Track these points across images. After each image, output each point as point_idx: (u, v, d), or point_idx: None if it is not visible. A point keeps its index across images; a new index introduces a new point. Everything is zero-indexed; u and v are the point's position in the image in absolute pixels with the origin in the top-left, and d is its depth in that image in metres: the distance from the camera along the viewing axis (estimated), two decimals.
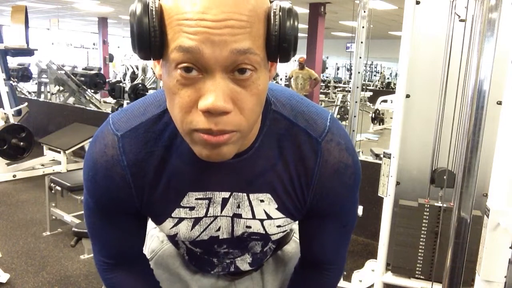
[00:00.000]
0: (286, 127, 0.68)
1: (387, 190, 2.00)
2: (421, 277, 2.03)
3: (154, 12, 0.51)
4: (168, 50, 0.52)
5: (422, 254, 2.01)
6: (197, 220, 0.73)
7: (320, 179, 0.69)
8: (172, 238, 0.83)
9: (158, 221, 0.75)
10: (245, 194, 0.71)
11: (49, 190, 3.13)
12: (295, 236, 1.00)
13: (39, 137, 4.93)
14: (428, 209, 1.98)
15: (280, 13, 0.53)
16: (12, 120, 4.56)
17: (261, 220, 0.74)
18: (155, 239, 0.97)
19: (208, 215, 0.73)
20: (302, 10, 10.14)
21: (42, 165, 4.82)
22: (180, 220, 0.73)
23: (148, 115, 0.67)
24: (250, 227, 0.75)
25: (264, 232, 0.75)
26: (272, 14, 0.53)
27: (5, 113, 4.48)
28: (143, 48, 0.53)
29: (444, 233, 1.93)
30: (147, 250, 0.99)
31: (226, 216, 0.73)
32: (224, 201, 0.71)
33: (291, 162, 0.68)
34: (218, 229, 0.76)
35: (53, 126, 5.43)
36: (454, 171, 1.90)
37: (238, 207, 0.72)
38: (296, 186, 0.70)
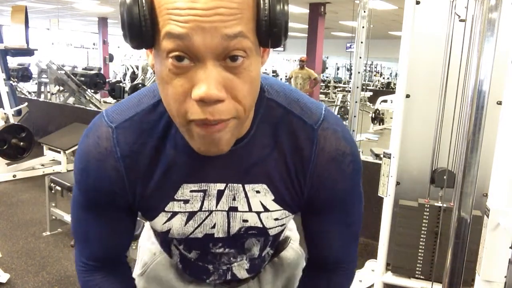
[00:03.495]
0: (281, 114, 0.67)
1: (387, 190, 2.00)
2: (421, 277, 2.03)
3: (144, 0, 0.51)
4: (159, 39, 0.52)
5: (422, 254, 2.01)
6: (191, 215, 0.71)
7: (317, 168, 0.67)
8: (165, 236, 0.79)
9: (151, 216, 0.73)
10: (240, 185, 0.69)
11: (49, 190, 3.12)
12: (293, 243, 0.98)
13: (39, 137, 4.93)
14: (428, 209, 1.98)
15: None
16: (12, 120, 4.55)
17: (258, 213, 0.72)
18: (146, 252, 0.94)
19: (203, 209, 0.71)
20: (302, 10, 10.14)
21: (42, 165, 4.82)
22: (174, 214, 0.71)
23: (143, 106, 0.67)
24: (247, 220, 0.73)
25: (261, 226, 0.73)
26: (261, 0, 0.53)
27: (5, 113, 4.48)
28: (134, 37, 0.53)
29: (444, 233, 1.93)
30: (139, 263, 0.96)
31: (222, 210, 0.71)
32: (220, 194, 0.70)
33: (287, 150, 0.67)
34: (213, 226, 0.73)
35: (53, 126, 5.42)
36: (454, 171, 1.90)
37: (234, 199, 0.70)
38: (293, 176, 0.69)
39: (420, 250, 2.01)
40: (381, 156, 2.05)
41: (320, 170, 0.68)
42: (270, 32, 0.53)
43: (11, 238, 3.09)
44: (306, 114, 0.67)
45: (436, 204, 1.97)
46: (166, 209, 0.71)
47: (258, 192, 0.70)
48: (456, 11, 1.86)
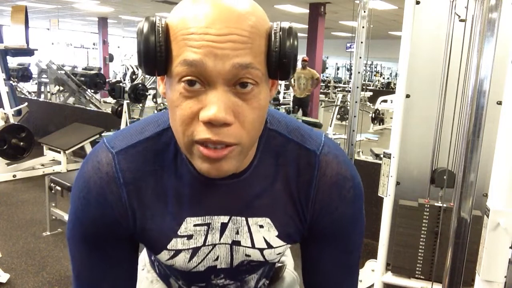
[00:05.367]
0: (282, 143, 0.67)
1: (387, 190, 2.00)
2: (421, 277, 2.03)
3: (160, 29, 0.54)
4: (173, 65, 0.54)
5: (422, 254, 2.01)
6: (195, 251, 0.70)
7: (318, 193, 0.67)
8: (167, 268, 0.79)
9: (154, 252, 0.71)
10: (243, 219, 0.68)
11: (49, 190, 3.12)
12: (288, 269, 0.98)
13: (39, 137, 4.93)
14: (428, 209, 1.98)
15: (281, 32, 0.55)
16: (12, 120, 4.55)
17: (261, 250, 0.71)
18: (143, 281, 0.92)
19: (206, 244, 0.69)
20: (302, 10, 10.14)
21: (42, 165, 4.82)
22: (177, 252, 0.69)
23: (146, 134, 0.66)
24: (249, 255, 0.72)
25: (263, 260, 0.73)
26: (272, 33, 0.55)
27: (5, 113, 4.48)
28: (149, 64, 0.55)
29: (444, 233, 1.93)
30: None
31: (225, 244, 0.70)
32: (223, 227, 0.69)
33: (291, 178, 0.67)
34: (216, 259, 0.72)
35: (53, 126, 5.42)
36: (454, 171, 1.90)
37: (237, 233, 0.69)
38: (297, 204, 0.68)
39: (420, 250, 2.01)
40: (381, 156, 2.05)
41: (321, 195, 0.68)
42: (280, 64, 0.55)
43: (11, 238, 3.09)
44: (307, 141, 0.68)
45: (436, 204, 1.97)
46: (168, 247, 0.69)
47: (261, 226, 0.69)
48: (456, 11, 1.86)
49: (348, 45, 14.21)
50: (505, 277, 1.31)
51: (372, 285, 2.21)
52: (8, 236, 3.13)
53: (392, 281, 2.09)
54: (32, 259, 2.79)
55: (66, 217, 3.08)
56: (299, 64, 7.45)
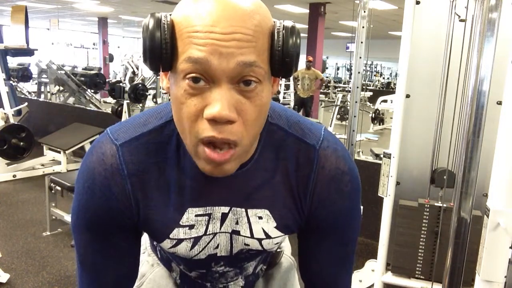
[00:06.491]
0: (282, 137, 0.69)
1: (387, 190, 2.00)
2: (421, 277, 2.03)
3: (166, 26, 0.55)
4: (177, 62, 0.55)
5: (422, 254, 2.01)
6: (196, 240, 0.72)
7: (317, 187, 0.69)
8: (169, 255, 0.81)
9: (156, 240, 0.73)
10: (243, 210, 0.70)
11: (49, 190, 3.12)
12: (285, 254, 0.99)
13: (39, 137, 4.92)
14: (428, 209, 1.98)
15: (284, 31, 0.56)
16: (12, 120, 4.55)
17: (260, 240, 0.73)
18: (144, 264, 0.93)
19: (207, 233, 0.72)
20: (302, 10, 10.14)
21: (42, 165, 4.82)
22: (179, 241, 0.71)
23: (149, 127, 0.67)
24: (248, 245, 0.74)
25: (262, 249, 0.75)
26: (276, 31, 0.56)
27: (5, 113, 4.48)
28: (154, 60, 0.55)
29: (444, 233, 1.93)
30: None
31: (225, 232, 0.72)
32: (224, 217, 0.70)
33: (289, 173, 0.69)
34: (217, 247, 0.74)
35: (53, 126, 5.42)
36: (454, 171, 1.90)
37: (237, 223, 0.71)
38: (295, 197, 0.70)
39: (420, 250, 2.01)
40: (381, 156, 2.05)
41: (320, 189, 0.69)
42: (282, 63, 0.57)
43: (11, 238, 3.09)
44: (306, 135, 0.69)
45: (436, 204, 1.97)
46: (171, 236, 0.70)
47: (260, 218, 0.71)
48: (456, 11, 1.86)
49: (348, 45, 14.21)
50: (505, 277, 1.31)
51: (372, 285, 2.21)
52: (8, 236, 3.13)
53: (392, 281, 2.09)
54: (32, 259, 2.79)
55: (66, 217, 3.08)
56: (303, 64, 7.47)
